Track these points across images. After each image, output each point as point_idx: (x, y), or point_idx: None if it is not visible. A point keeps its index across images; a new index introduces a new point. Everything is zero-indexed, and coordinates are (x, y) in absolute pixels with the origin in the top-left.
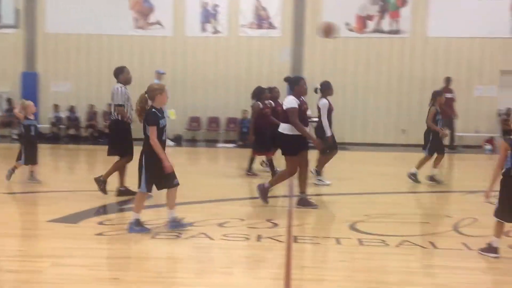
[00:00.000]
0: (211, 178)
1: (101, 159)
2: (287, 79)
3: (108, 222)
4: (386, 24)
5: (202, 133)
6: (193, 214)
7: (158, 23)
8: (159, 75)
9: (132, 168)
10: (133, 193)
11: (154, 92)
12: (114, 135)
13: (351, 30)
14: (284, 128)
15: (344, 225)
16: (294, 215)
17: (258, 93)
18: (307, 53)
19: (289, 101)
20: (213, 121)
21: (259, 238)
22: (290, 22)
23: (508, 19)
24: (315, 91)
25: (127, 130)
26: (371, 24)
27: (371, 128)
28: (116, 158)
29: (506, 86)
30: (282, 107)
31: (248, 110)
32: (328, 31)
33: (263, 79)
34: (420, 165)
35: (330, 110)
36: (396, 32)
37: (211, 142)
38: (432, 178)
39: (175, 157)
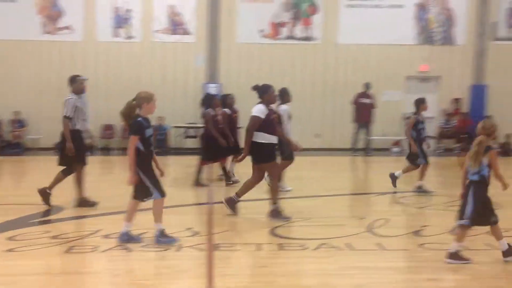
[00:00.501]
0: (126, 187)
1: (6, 171)
2: (255, 88)
3: (19, 237)
4: (299, 31)
5: (116, 141)
6: (109, 225)
7: (68, 27)
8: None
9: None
10: (93, 204)
11: (141, 100)
12: (61, 145)
13: (265, 36)
14: (256, 136)
15: (264, 230)
16: (215, 223)
17: (208, 101)
18: (222, 59)
19: (257, 110)
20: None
21: (179, 248)
22: (205, 28)
23: (412, 27)
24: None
25: (81, 139)
26: (284, 31)
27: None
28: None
29: (410, 91)
30: (236, 114)
31: (163, 117)
32: None
33: (178, 84)
34: (422, 175)
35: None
36: (309, 38)
37: (126, 150)
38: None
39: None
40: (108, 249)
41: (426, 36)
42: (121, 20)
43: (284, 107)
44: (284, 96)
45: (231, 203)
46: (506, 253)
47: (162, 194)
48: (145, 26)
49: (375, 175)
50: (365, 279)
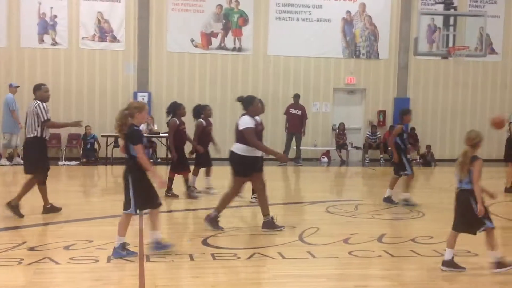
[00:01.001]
0: (52, 198)
1: None
2: (240, 99)
3: None
4: (230, 41)
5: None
6: (34, 237)
7: None
8: (13, 88)
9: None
10: (59, 209)
11: (133, 110)
12: (31, 152)
13: (196, 46)
14: (238, 148)
15: (197, 240)
16: (146, 233)
17: (174, 109)
18: (153, 67)
19: (245, 121)
20: (54, 138)
21: (109, 259)
22: (134, 36)
23: (339, 41)
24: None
25: (45, 147)
26: (215, 41)
27: (222, 144)
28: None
29: (338, 103)
30: (211, 127)
31: (92, 125)
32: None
33: (107, 93)
34: (407, 187)
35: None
36: (239, 49)
37: (52, 160)
38: (389, 199)
39: (14, 178)
40: (34, 261)
41: (352, 50)
42: (47, 26)
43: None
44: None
45: (212, 221)
46: (498, 265)
47: (136, 210)
48: (71, 33)
49: (306, 185)
50: (297, 287)
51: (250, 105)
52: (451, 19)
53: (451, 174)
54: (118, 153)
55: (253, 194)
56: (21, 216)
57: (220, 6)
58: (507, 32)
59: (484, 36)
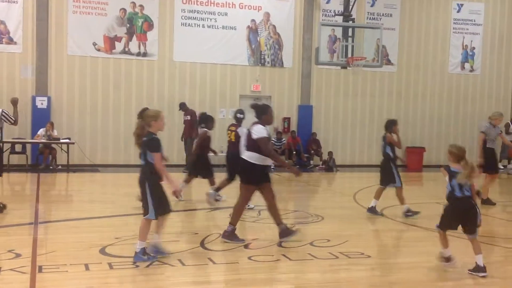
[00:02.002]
0: None
1: None
2: (254, 106)
3: None
4: (134, 46)
5: None
6: None
7: None
8: None
9: None
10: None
11: (148, 118)
12: None
13: (99, 50)
14: (250, 156)
15: (94, 250)
16: (40, 244)
17: (207, 121)
18: (53, 71)
19: (259, 130)
20: None
21: None
22: (33, 38)
23: (245, 49)
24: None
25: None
26: (119, 45)
27: (123, 148)
28: None
29: (245, 110)
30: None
31: None
32: None
33: (3, 97)
34: (401, 199)
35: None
36: (144, 54)
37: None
38: (372, 210)
39: None
40: None
41: (257, 57)
42: None
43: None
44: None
45: (231, 235)
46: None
47: (156, 216)
48: None
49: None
50: None
51: (264, 114)
52: (350, 31)
53: (353, 179)
54: (15, 159)
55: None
56: None
57: (123, 10)
58: (401, 44)
59: (381, 47)
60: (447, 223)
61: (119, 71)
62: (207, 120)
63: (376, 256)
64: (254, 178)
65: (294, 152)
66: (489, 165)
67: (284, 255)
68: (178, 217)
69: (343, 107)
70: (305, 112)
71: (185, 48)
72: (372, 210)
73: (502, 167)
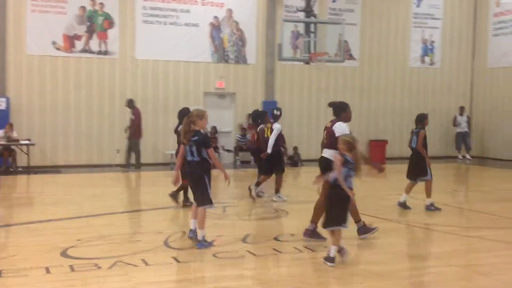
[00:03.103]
0: None
1: None
2: (332, 104)
3: None
4: (95, 44)
5: None
6: None
7: None
8: None
9: None
10: None
11: (195, 117)
12: None
13: (58, 49)
14: (332, 155)
15: (55, 252)
16: (0, 248)
17: (262, 117)
18: (11, 71)
19: (342, 128)
20: None
21: None
22: None
23: (208, 46)
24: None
25: None
26: (79, 44)
27: (85, 149)
28: None
29: (209, 107)
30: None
31: None
32: None
33: None
34: (429, 192)
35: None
36: (105, 53)
37: None
38: (403, 204)
39: None
40: None
41: (221, 54)
42: None
43: (278, 125)
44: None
45: (314, 235)
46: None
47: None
48: None
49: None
50: None
51: (343, 111)
52: (312, 26)
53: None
54: None
55: (276, 193)
56: None
57: (83, 8)
58: (363, 39)
59: (343, 42)
60: (335, 215)
61: (79, 70)
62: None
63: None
64: None
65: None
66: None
67: (249, 252)
68: (141, 216)
69: (307, 102)
70: (270, 107)
71: (147, 46)
72: (402, 205)
73: (461, 157)
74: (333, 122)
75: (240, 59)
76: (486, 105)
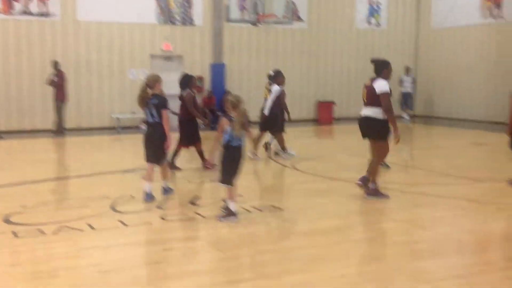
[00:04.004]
0: None
1: None
2: (374, 61)
3: None
4: (34, 6)
5: None
6: None
7: None
8: None
9: None
10: None
11: (152, 82)
12: None
13: None
14: (376, 112)
15: None
16: None
17: (187, 81)
18: None
19: (383, 85)
20: None
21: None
22: None
23: (153, 7)
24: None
25: None
26: (18, 6)
27: (27, 114)
28: None
29: (156, 70)
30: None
31: None
32: None
33: None
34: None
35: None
36: (46, 15)
37: None
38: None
39: None
40: None
41: (167, 16)
42: None
43: (276, 87)
44: (280, 77)
45: (374, 192)
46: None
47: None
48: None
49: (123, 153)
50: (105, 257)
51: (385, 68)
52: None
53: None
54: None
55: (284, 151)
56: None
57: None
58: (310, 1)
59: (290, 4)
60: (230, 177)
61: (19, 33)
62: (187, 80)
63: (287, 208)
64: (387, 133)
65: (210, 111)
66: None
67: (197, 213)
68: (87, 181)
69: (256, 65)
70: (218, 70)
71: (90, 7)
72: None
73: (405, 117)
74: (373, 80)
75: (187, 20)
76: (431, 65)
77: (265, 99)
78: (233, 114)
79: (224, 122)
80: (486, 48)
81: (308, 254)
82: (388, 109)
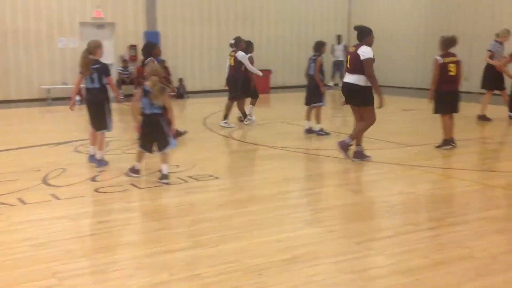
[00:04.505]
0: None
1: None
2: (357, 28)
3: None
4: None
5: None
6: None
7: None
8: None
9: None
10: None
11: (93, 48)
12: None
13: None
14: (359, 79)
15: None
16: None
17: (150, 49)
18: None
19: (368, 51)
20: None
21: None
22: None
23: None
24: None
25: None
26: None
27: None
28: None
29: (86, 38)
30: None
31: None
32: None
33: None
34: (319, 119)
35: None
36: None
37: None
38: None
39: None
40: None
41: None
42: None
43: (242, 53)
44: (242, 43)
45: (359, 155)
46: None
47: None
48: None
49: (55, 126)
50: (37, 231)
51: (368, 35)
52: None
53: (203, 104)
54: None
55: (225, 119)
56: None
57: None
58: None
59: None
60: (142, 142)
61: None
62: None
63: (224, 177)
64: (372, 98)
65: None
66: (492, 82)
67: (132, 185)
68: (16, 155)
69: (190, 33)
70: (152, 38)
71: None
72: (309, 131)
73: (331, 85)
74: (357, 47)
75: None
76: None
77: (229, 66)
78: (147, 83)
79: (138, 91)
80: (415, 16)
81: (244, 221)
82: (371, 75)
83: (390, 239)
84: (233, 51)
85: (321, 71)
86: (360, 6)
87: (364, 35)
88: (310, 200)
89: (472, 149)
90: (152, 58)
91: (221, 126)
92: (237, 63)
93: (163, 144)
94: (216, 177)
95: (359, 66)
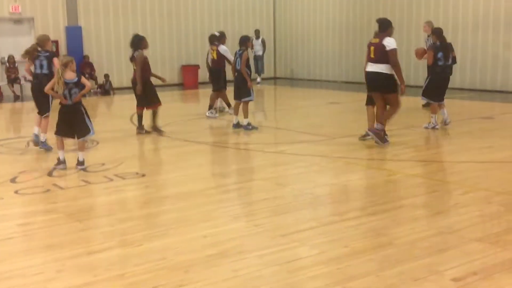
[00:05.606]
0: None
1: None
2: (379, 20)
3: None
4: None
5: None
6: None
7: None
8: None
9: None
10: None
11: (45, 41)
12: None
13: None
14: (385, 68)
15: None
16: None
17: (138, 42)
18: None
19: (392, 42)
20: None
21: None
22: None
23: None
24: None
25: None
26: None
27: None
28: None
29: (3, 34)
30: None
31: None
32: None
33: None
34: (247, 113)
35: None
36: None
37: None
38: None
39: None
40: None
41: None
42: None
43: (224, 47)
44: (224, 38)
45: (378, 133)
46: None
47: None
48: None
49: None
50: None
51: (390, 27)
52: None
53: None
54: None
55: (209, 109)
56: None
57: None
58: None
59: None
60: (59, 129)
61: None
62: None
63: (151, 174)
64: (396, 85)
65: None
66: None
67: (55, 185)
68: None
69: (114, 27)
70: (74, 34)
71: None
72: (237, 126)
73: (259, 81)
74: (381, 37)
75: None
76: (288, 27)
77: (212, 59)
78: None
79: (52, 81)
80: (337, 11)
81: (171, 218)
82: (396, 64)
83: (313, 230)
84: (214, 44)
85: (247, 65)
86: (284, 1)
87: (386, 26)
88: (237, 194)
89: (395, 139)
90: (141, 50)
91: (207, 116)
92: (219, 56)
93: (83, 132)
94: (143, 175)
95: (384, 56)
